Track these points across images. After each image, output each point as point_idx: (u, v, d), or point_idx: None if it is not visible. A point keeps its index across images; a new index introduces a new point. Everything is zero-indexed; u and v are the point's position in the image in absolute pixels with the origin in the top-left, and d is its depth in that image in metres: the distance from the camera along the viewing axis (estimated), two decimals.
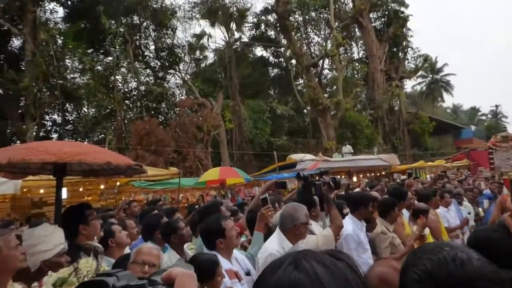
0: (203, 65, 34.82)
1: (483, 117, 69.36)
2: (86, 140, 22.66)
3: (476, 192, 9.82)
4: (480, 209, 8.98)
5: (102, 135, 23.91)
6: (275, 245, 3.53)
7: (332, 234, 3.78)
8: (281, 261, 0.94)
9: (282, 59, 35.76)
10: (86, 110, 24.95)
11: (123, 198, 12.91)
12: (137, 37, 28.89)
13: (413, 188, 7.98)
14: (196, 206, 6.85)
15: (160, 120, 26.79)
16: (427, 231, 5.21)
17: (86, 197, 13.71)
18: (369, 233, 5.15)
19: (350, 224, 4.55)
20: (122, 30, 25.01)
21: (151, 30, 30.22)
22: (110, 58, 25.65)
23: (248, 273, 3.57)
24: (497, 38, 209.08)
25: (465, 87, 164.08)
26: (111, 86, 24.30)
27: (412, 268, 1.08)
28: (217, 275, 2.97)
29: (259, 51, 37.62)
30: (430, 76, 57.38)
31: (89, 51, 25.34)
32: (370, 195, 5.27)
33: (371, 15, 36.09)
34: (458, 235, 7.27)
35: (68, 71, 23.06)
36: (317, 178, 4.43)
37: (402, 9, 35.94)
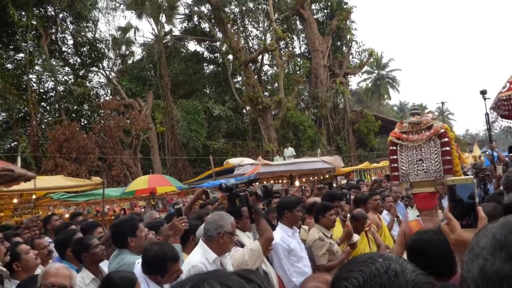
0: (129, 61, 34.15)
1: None
2: None
3: None
4: None
5: (15, 142, 22.97)
6: (198, 257, 3.66)
7: (260, 248, 3.93)
8: (182, 285, 0.96)
9: (218, 54, 35.58)
10: None
11: (40, 212, 12.65)
12: (53, 30, 27.94)
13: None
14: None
15: (82, 124, 26.14)
16: (355, 238, 5.51)
17: None
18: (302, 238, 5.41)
19: (278, 233, 4.74)
20: (34, 22, 24.13)
21: (68, 23, 29.29)
22: (22, 54, 24.66)
23: None
24: (444, 32, 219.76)
25: (411, 83, 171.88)
26: (24, 86, 23.41)
27: (342, 282, 1.05)
28: None
29: (192, 46, 37.48)
30: (376, 72, 59.56)
31: None
32: (294, 198, 5.49)
33: (313, 6, 36.81)
34: None
35: None
36: (244, 187, 4.59)
37: None
